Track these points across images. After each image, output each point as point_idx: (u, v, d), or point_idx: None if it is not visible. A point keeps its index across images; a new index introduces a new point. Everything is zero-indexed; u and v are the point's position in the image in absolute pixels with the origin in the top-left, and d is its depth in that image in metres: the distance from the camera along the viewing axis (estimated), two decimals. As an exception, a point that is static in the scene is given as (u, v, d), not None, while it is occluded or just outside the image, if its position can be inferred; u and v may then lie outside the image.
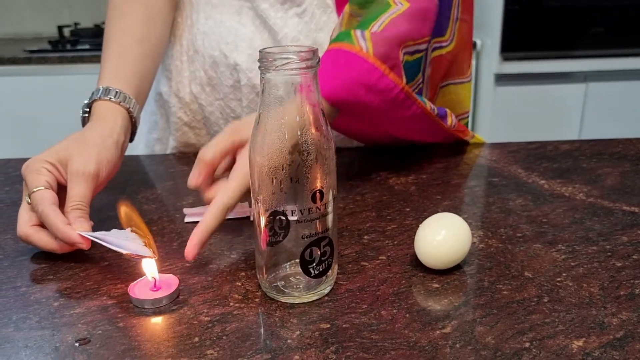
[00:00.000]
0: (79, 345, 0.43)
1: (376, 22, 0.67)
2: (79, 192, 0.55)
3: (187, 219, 0.64)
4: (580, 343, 0.41)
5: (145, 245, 0.50)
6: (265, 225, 0.45)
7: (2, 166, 0.83)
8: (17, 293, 0.50)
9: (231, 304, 0.47)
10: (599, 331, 0.43)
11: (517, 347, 0.41)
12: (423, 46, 0.72)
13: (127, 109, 0.67)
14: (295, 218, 0.44)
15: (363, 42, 0.64)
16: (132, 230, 0.52)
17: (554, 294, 0.48)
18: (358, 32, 0.66)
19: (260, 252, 0.47)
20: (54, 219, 0.52)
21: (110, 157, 0.61)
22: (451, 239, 0.50)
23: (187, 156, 0.88)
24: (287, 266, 0.48)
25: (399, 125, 0.75)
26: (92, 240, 0.52)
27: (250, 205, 0.65)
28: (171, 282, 0.49)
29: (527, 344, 0.41)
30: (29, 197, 0.54)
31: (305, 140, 0.43)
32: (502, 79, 1.96)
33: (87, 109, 0.66)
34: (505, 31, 1.91)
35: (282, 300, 0.47)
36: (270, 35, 0.79)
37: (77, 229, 0.52)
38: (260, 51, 0.42)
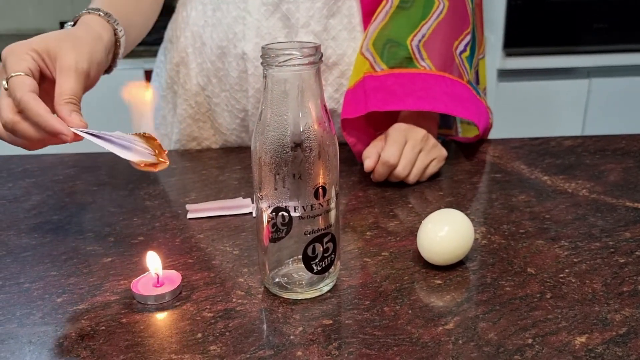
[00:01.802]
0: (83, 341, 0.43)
1: (425, 22, 0.74)
2: (71, 87, 0.51)
3: (190, 215, 0.64)
4: (583, 339, 0.41)
5: (154, 154, 0.47)
6: (268, 222, 0.45)
7: (4, 162, 0.83)
8: (20, 289, 0.50)
9: (234, 300, 0.47)
10: (601, 327, 0.42)
11: (520, 344, 0.41)
12: (468, 37, 0.78)
13: (114, 29, 0.63)
14: (297, 214, 0.44)
15: (424, 63, 0.73)
16: (138, 135, 0.49)
17: (556, 290, 0.48)
18: (416, 52, 0.73)
19: (263, 248, 0.47)
20: (35, 106, 0.47)
21: (100, 60, 0.57)
22: (454, 235, 0.50)
23: (190, 153, 0.88)
24: (290, 262, 0.48)
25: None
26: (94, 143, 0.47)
27: (252, 202, 0.65)
28: (174, 278, 0.49)
29: (530, 340, 0.41)
30: (7, 82, 0.50)
31: (307, 137, 0.43)
32: (505, 74, 1.95)
33: (72, 24, 0.62)
34: (508, 27, 1.90)
35: (285, 297, 0.47)
36: (281, 21, 0.79)
37: (72, 124, 0.48)
38: (262, 47, 0.42)
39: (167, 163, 0.48)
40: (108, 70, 0.65)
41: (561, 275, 0.50)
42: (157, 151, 0.48)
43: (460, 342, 0.41)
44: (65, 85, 0.51)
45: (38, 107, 0.48)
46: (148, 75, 2.03)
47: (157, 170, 0.48)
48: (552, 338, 0.41)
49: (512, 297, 0.47)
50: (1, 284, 0.51)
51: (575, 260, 0.52)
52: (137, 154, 0.47)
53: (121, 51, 0.65)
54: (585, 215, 0.61)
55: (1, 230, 0.62)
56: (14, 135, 0.51)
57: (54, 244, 0.58)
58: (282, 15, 0.78)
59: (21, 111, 0.49)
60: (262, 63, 0.42)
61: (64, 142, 0.49)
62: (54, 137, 0.49)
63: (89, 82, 0.55)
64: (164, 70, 0.90)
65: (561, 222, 0.60)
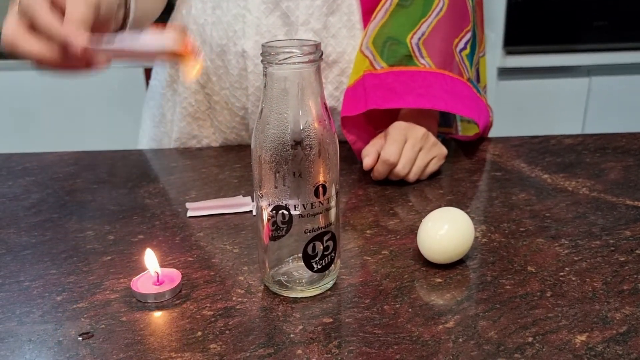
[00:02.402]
0: (82, 339, 0.43)
1: (425, 20, 0.74)
2: (82, 13, 0.49)
3: (189, 213, 0.64)
4: (584, 338, 0.41)
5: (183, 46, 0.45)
6: (268, 220, 0.45)
7: (4, 160, 0.83)
8: (20, 287, 0.50)
9: (234, 298, 0.47)
10: (602, 326, 0.42)
11: (520, 342, 0.41)
12: (469, 35, 0.78)
13: None
14: (298, 212, 0.44)
15: (424, 61, 0.73)
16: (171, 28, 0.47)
17: (557, 288, 0.47)
18: (416, 50, 0.73)
19: (263, 246, 0.47)
20: (47, 16, 0.47)
21: (109, 1, 0.54)
22: (454, 234, 0.50)
23: (190, 151, 0.88)
24: (290, 261, 0.48)
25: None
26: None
27: (252, 200, 0.65)
28: (174, 276, 0.49)
29: (530, 339, 0.41)
30: (20, 1, 0.48)
31: (308, 135, 0.43)
32: (505, 72, 1.95)
33: None
34: (509, 25, 1.90)
35: (285, 295, 0.47)
36: (281, 19, 0.79)
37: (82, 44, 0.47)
38: (263, 45, 0.42)
39: (198, 64, 0.46)
40: (123, 26, 0.62)
41: (561, 273, 0.50)
42: (186, 46, 0.46)
43: (460, 340, 0.41)
44: (75, 12, 0.49)
45: (50, 18, 0.47)
46: (148, 73, 2.03)
47: (185, 65, 0.45)
48: (553, 336, 0.41)
49: (512, 295, 0.47)
50: (1, 282, 0.51)
51: (575, 258, 0.52)
52: (163, 43, 0.45)
53: (131, 16, 0.62)
54: (585, 214, 0.61)
55: (1, 229, 0.61)
56: (18, 50, 0.49)
57: (53, 242, 0.58)
58: (281, 13, 0.78)
59: (33, 26, 0.48)
60: (262, 61, 0.42)
61: (74, 56, 0.47)
62: (67, 48, 0.47)
63: (98, 20, 0.52)
64: (163, 68, 0.90)
65: (561, 221, 0.60)
